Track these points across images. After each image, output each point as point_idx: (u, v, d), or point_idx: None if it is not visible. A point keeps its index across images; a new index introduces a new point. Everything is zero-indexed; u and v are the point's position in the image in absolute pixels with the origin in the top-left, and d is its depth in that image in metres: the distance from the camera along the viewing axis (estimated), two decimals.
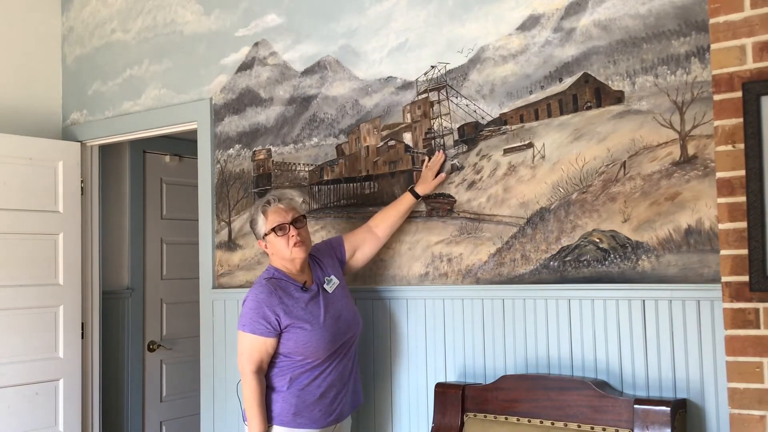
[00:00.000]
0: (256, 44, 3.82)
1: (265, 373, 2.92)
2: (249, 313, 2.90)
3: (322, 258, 3.11)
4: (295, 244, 2.92)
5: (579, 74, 2.88)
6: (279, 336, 2.88)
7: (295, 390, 2.90)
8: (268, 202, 3.00)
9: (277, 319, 2.86)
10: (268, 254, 3.06)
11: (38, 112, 4.53)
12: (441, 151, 3.17)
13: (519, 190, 2.99)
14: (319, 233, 3.51)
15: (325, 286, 3.02)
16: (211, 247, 3.93)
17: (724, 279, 2.23)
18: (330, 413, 2.95)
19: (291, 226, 2.93)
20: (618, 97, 2.79)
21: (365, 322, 3.33)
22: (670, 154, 2.68)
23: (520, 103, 3.01)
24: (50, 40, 4.63)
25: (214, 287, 3.91)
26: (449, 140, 3.19)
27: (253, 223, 3.04)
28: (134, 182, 5.06)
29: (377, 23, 3.40)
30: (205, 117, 3.98)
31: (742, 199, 2.19)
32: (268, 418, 2.89)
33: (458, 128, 3.17)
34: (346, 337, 2.99)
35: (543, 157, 2.95)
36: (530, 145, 2.98)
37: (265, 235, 2.97)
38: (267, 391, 2.92)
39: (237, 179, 3.86)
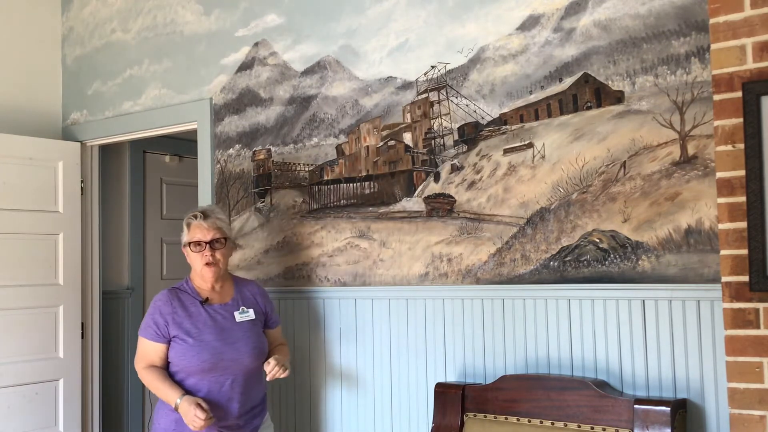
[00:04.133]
0: (256, 44, 3.82)
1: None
2: (145, 318, 3.06)
3: (258, 297, 3.17)
4: (206, 263, 3.01)
5: (579, 74, 2.88)
6: (168, 343, 2.98)
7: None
8: (195, 216, 3.07)
9: (165, 327, 2.97)
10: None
11: (38, 112, 4.53)
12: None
13: (519, 190, 2.99)
14: (318, 233, 3.51)
15: (237, 312, 3.07)
16: None
17: (724, 279, 2.23)
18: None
19: (207, 245, 3.01)
20: (618, 97, 2.79)
21: (365, 321, 3.34)
22: (670, 154, 2.68)
23: (520, 103, 3.01)
24: (50, 40, 4.63)
25: None
26: (449, 140, 3.19)
27: (182, 230, 3.12)
28: (134, 182, 5.06)
29: (377, 23, 3.40)
30: (205, 117, 3.97)
31: (742, 199, 2.19)
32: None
33: (458, 128, 3.17)
34: (229, 363, 2.97)
35: (543, 157, 2.95)
36: (530, 145, 2.98)
37: (184, 246, 3.10)
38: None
39: (237, 179, 3.86)
